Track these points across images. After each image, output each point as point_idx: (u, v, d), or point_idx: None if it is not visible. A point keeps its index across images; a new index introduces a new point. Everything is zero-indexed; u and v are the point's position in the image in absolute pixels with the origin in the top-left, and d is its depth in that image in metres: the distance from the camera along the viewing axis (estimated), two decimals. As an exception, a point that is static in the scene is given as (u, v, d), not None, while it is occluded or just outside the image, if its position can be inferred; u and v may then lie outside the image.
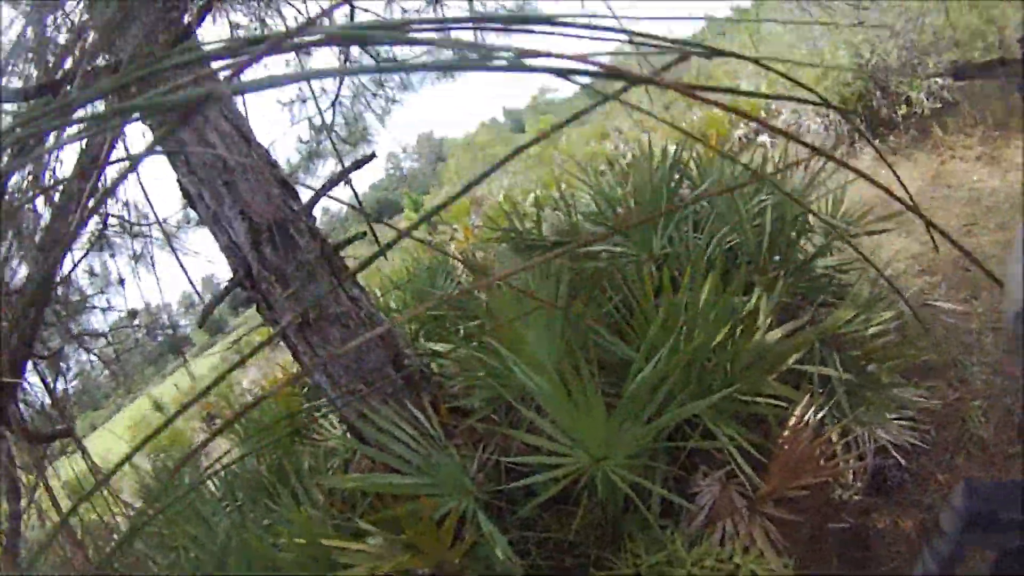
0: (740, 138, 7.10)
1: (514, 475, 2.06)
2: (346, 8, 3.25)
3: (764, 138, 6.87)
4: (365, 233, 2.36)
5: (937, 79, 5.55)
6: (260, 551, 2.12)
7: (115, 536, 3.17)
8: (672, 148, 3.08)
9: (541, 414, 2.02)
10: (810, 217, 2.86)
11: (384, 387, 2.25)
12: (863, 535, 2.65)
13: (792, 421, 2.29)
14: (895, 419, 2.68)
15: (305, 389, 3.39)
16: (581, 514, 2.03)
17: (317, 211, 2.50)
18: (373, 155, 2.42)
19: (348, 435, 2.49)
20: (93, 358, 4.05)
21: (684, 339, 2.14)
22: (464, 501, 2.01)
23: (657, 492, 2.05)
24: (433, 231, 9.73)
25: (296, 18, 3.22)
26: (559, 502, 2.16)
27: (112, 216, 3.86)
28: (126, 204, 3.89)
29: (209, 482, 2.86)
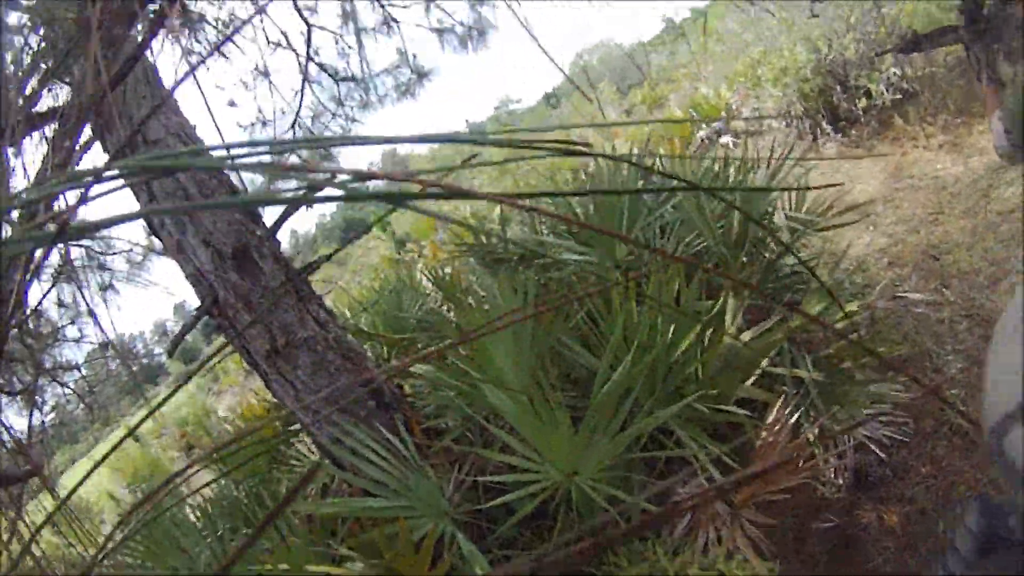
0: (703, 139, 7.17)
1: (492, 494, 2.04)
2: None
3: (726, 139, 6.94)
4: (330, 256, 2.34)
5: (895, 70, 5.62)
6: None
7: (95, 569, 3.10)
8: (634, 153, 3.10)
9: (512, 432, 2.01)
10: (775, 216, 2.88)
11: (356, 410, 2.23)
12: (848, 533, 2.66)
13: (768, 423, 2.29)
14: (872, 415, 2.70)
15: (282, 412, 3.35)
16: (559, 529, 2.01)
17: (284, 234, 2.48)
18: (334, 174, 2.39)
19: (324, 460, 2.46)
20: (67, 391, 3.99)
21: (645, 347, 2.14)
22: (441, 522, 1.99)
23: (634, 503, 2.04)
24: (401, 250, 9.74)
25: (254, 38, 3.19)
26: (537, 518, 2.15)
27: (78, 245, 3.80)
28: (93, 236, 3.84)
29: (190, 512, 2.82)
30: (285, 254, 2.42)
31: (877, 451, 2.67)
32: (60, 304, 4.14)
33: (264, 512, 2.19)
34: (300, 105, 3.35)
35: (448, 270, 3.20)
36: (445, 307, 3.09)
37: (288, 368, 2.23)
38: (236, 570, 2.09)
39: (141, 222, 2.63)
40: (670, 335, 2.17)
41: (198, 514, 2.75)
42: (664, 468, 2.23)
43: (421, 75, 3.84)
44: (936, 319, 3.52)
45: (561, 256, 2.69)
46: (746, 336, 2.36)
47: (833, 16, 5.86)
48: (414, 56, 3.86)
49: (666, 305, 2.12)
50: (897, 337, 3.35)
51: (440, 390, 2.35)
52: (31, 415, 3.97)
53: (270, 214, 2.58)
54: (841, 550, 2.59)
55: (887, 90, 5.65)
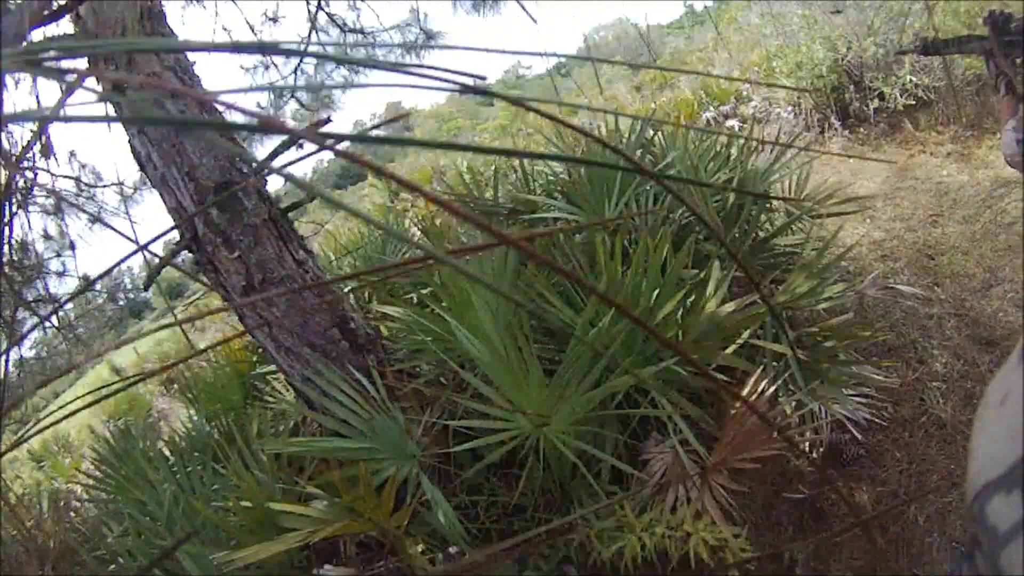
0: (709, 120, 7.07)
1: (461, 439, 2.03)
2: None
3: (732, 122, 6.85)
4: (314, 198, 2.33)
5: (912, 78, 5.56)
6: (206, 516, 2.08)
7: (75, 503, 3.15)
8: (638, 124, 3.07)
9: (485, 380, 2.00)
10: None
11: (329, 350, 2.21)
12: (817, 506, 2.65)
13: (746, 392, 2.27)
14: (852, 395, 2.69)
15: (259, 351, 3.35)
16: (526, 477, 2.01)
17: (279, 177, 2.47)
18: (328, 119, 2.39)
19: (297, 399, 2.45)
20: (50, 325, 4.01)
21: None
22: (406, 465, 1.99)
23: (605, 460, 2.03)
24: (394, 199, 9.69)
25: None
26: (505, 466, 2.14)
27: (66, 177, 3.84)
28: (83, 166, 3.88)
29: (163, 447, 2.82)
30: (276, 194, 2.41)
31: (854, 431, 2.65)
32: (46, 237, 4.17)
33: (234, 450, 2.18)
34: (305, 49, 3.29)
35: (439, 221, 3.20)
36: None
37: (263, 305, 2.22)
38: (200, 507, 2.08)
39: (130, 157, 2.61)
40: (653, 298, 2.15)
41: (170, 450, 2.76)
42: (638, 427, 2.21)
43: (430, 35, 3.81)
44: (925, 314, 3.50)
45: (550, 213, 2.68)
46: (729, 307, 2.35)
47: (856, 20, 5.79)
48: (425, 15, 3.84)
49: (650, 255, 2.10)
50: (884, 325, 3.33)
51: (416, 334, 2.34)
52: (8, 349, 3.99)
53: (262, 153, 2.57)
54: (810, 521, 2.59)
55: (901, 95, 5.59)
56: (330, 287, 2.28)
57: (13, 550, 2.57)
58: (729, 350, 2.34)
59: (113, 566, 2.36)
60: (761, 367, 2.35)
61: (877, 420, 2.73)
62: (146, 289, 2.39)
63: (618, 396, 2.13)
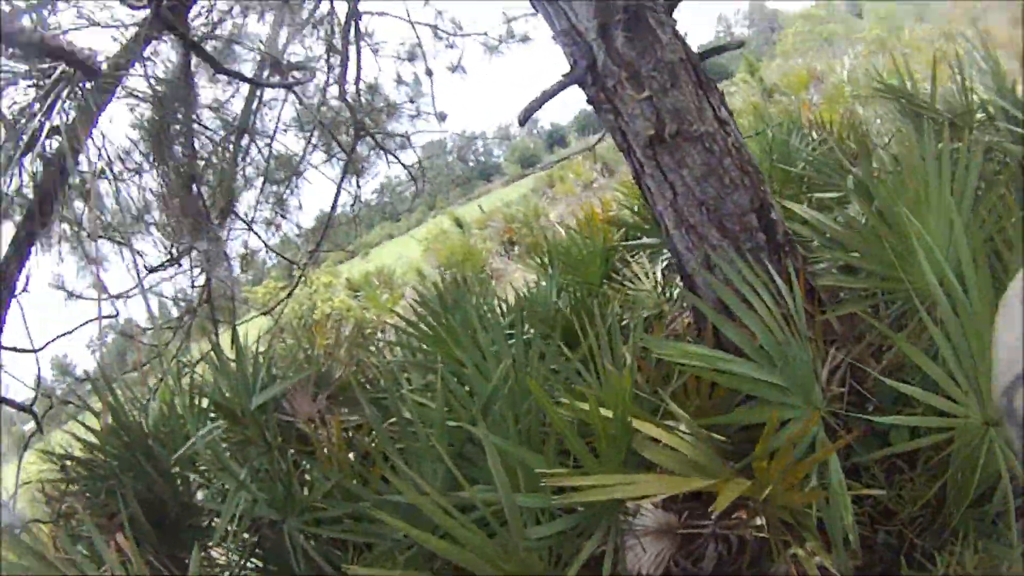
0: None
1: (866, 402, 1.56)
2: None
3: None
4: (742, 43, 1.88)
5: None
6: (543, 405, 1.60)
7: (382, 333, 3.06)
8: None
9: (945, 334, 1.46)
10: None
11: (741, 239, 1.79)
12: None
13: None
14: None
15: (623, 229, 3.05)
16: (938, 489, 1.50)
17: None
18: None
19: (684, 287, 2.03)
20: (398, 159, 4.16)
21: None
22: (809, 418, 1.50)
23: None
24: (768, 100, 9.15)
25: None
26: (906, 460, 1.65)
27: (422, 24, 3.86)
28: (439, 13, 3.94)
29: (498, 307, 2.59)
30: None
31: None
32: (399, 81, 4.29)
33: (590, 330, 1.77)
34: None
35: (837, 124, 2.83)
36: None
37: (671, 163, 1.82)
38: (536, 391, 1.69)
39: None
40: None
41: (503, 310, 2.51)
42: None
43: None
44: None
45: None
46: None
47: None
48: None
49: None
50: None
51: (842, 247, 1.86)
52: (339, 182, 4.13)
53: None
54: None
55: None
56: (751, 160, 1.83)
57: (293, 369, 2.33)
58: None
59: (396, 424, 1.93)
60: None
61: None
62: (522, 124, 2.06)
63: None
